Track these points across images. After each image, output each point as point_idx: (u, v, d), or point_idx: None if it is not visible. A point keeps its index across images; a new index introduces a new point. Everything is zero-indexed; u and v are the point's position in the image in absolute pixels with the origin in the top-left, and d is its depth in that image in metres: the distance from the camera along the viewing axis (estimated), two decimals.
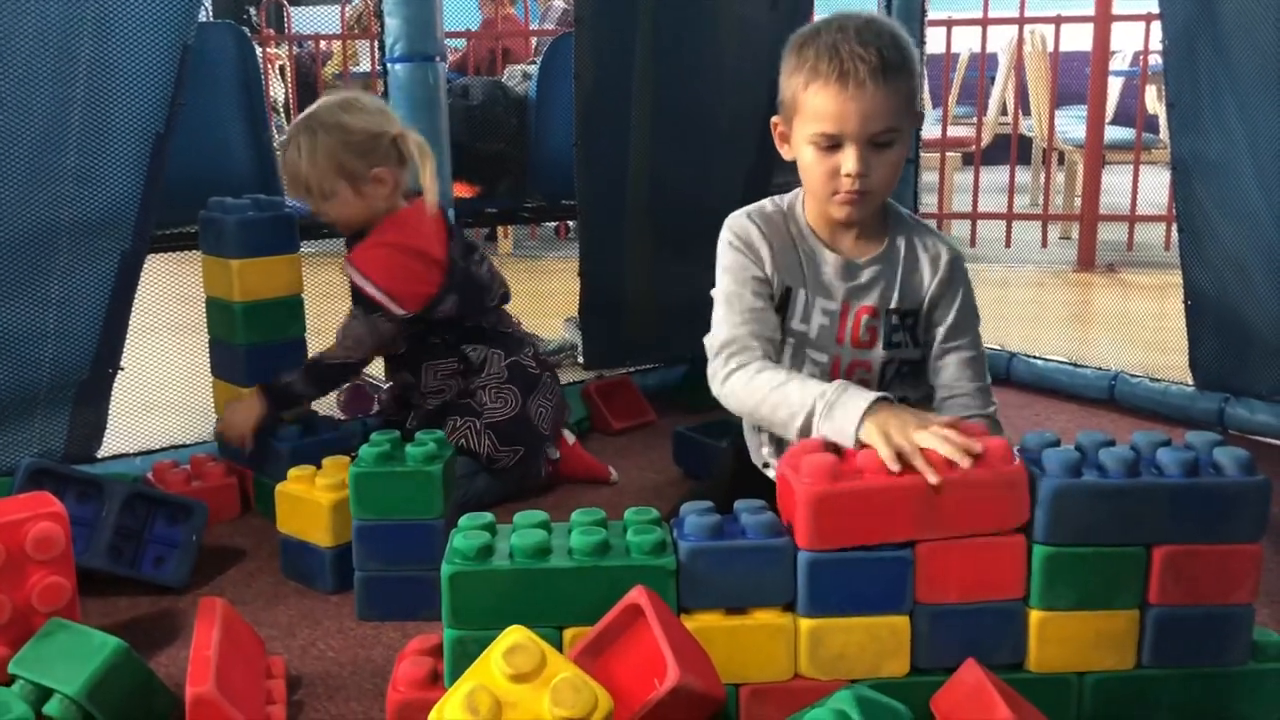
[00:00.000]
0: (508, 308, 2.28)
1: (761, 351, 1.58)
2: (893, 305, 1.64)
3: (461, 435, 2.12)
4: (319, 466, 1.84)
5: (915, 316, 1.66)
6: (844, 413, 1.40)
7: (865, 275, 1.64)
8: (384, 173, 2.06)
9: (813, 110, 1.53)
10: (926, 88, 4.78)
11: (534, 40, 5.62)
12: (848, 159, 1.53)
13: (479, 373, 2.16)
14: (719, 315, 1.63)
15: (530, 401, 2.18)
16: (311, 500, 1.80)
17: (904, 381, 1.68)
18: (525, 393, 2.17)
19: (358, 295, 2.08)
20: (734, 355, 1.58)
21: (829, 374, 1.63)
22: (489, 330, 2.18)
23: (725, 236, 1.66)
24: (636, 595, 1.25)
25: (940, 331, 1.66)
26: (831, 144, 1.54)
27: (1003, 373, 2.96)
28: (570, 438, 2.31)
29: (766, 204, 1.68)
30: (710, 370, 1.61)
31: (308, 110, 2.11)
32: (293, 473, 1.85)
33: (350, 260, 2.08)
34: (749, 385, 1.55)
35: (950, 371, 1.66)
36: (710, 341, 1.63)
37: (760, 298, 1.61)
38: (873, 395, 1.40)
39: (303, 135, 2.05)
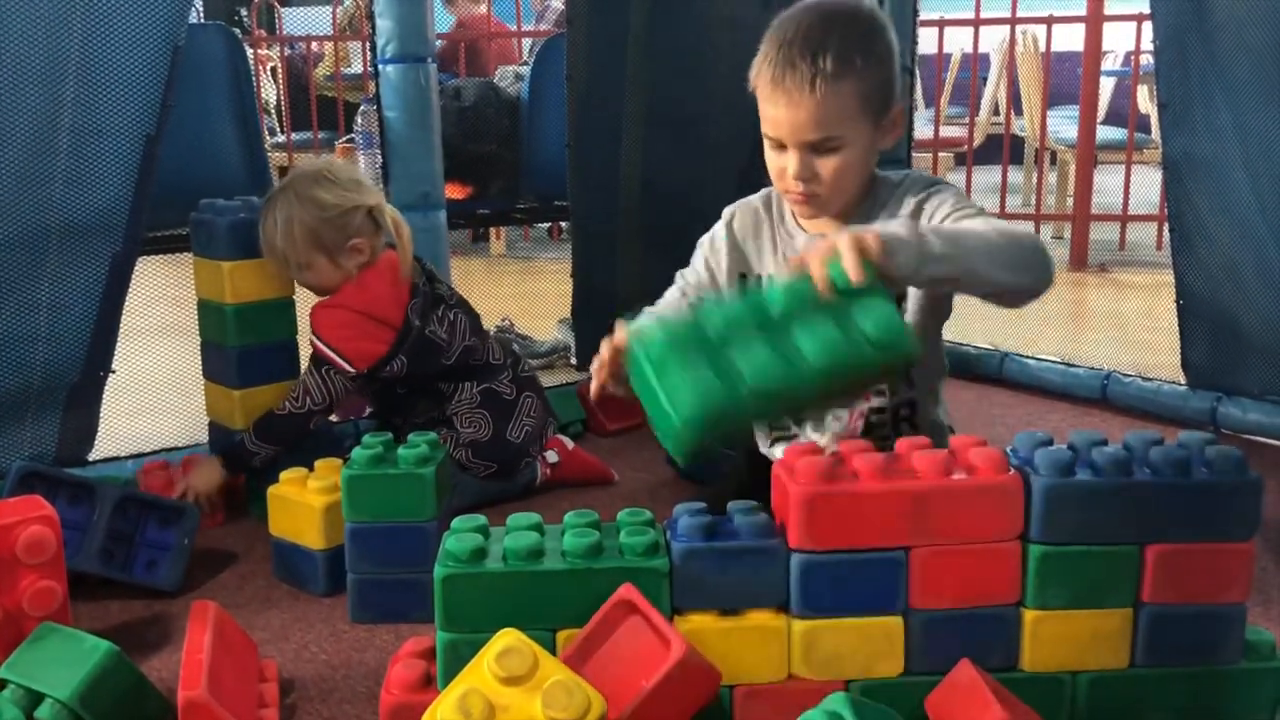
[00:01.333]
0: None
1: (681, 291, 1.66)
2: None
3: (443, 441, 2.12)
4: (311, 469, 1.84)
5: None
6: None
7: None
8: (361, 243, 2.07)
9: (761, 110, 1.56)
10: (919, 88, 4.80)
11: (525, 40, 5.61)
12: (789, 163, 1.55)
13: (450, 399, 2.16)
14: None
15: (506, 425, 2.17)
16: (304, 503, 1.79)
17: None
18: (499, 418, 2.17)
19: (314, 350, 2.09)
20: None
21: None
22: (457, 368, 2.17)
23: (711, 231, 1.73)
24: (625, 591, 1.25)
25: (936, 215, 1.60)
26: (778, 145, 1.56)
27: (995, 372, 2.97)
28: (569, 443, 2.31)
29: (757, 196, 1.70)
30: None
31: (283, 182, 2.12)
32: (285, 475, 1.84)
33: (310, 315, 2.10)
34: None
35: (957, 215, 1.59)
36: None
37: (699, 280, 1.69)
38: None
39: (279, 209, 2.04)
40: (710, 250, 1.71)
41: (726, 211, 1.73)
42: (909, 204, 1.63)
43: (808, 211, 1.62)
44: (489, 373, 2.20)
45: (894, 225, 1.39)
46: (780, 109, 1.52)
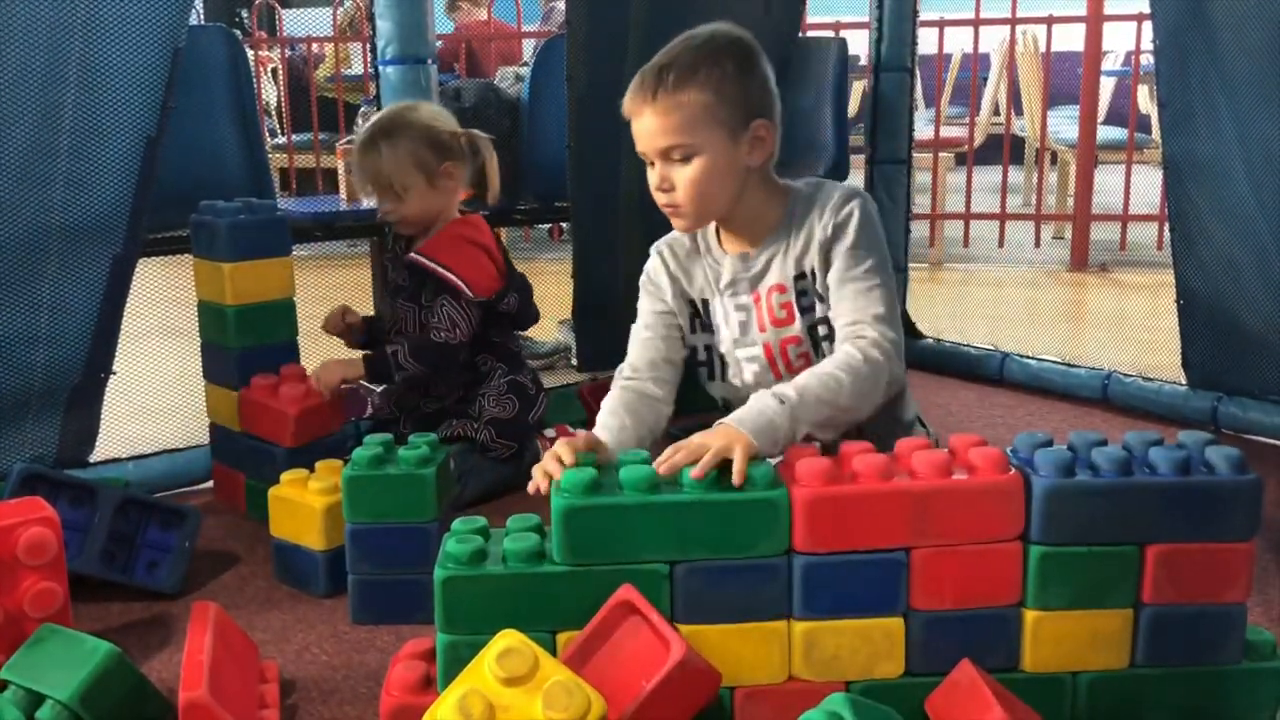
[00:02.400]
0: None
1: (631, 379, 1.70)
2: (793, 272, 1.68)
3: (459, 429, 2.22)
4: (312, 470, 1.84)
5: (815, 277, 1.68)
6: None
7: (760, 261, 1.69)
8: (453, 167, 2.18)
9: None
10: (919, 88, 4.80)
11: (528, 41, 5.61)
12: (651, 174, 1.63)
13: (483, 382, 2.25)
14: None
15: (527, 413, 2.28)
16: (304, 504, 1.79)
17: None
18: (524, 408, 2.27)
19: (429, 285, 2.18)
20: (622, 372, 1.73)
21: (765, 362, 1.70)
22: (499, 345, 2.27)
23: (647, 269, 1.78)
24: (626, 592, 1.26)
25: (834, 267, 1.65)
26: (647, 161, 1.64)
27: (996, 373, 2.96)
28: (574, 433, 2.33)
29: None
30: None
31: (377, 117, 2.22)
32: (286, 476, 1.84)
33: (421, 253, 2.19)
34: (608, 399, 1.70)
35: (846, 304, 1.63)
36: None
37: (654, 329, 1.74)
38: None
39: (381, 137, 2.16)
40: (653, 288, 1.77)
41: (655, 248, 1.79)
42: (820, 226, 1.65)
43: (681, 224, 1.68)
44: (518, 365, 2.31)
45: (770, 411, 1.45)
46: (636, 123, 1.61)
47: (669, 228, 1.74)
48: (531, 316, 2.33)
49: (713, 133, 1.59)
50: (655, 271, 1.77)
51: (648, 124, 1.60)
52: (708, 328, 1.76)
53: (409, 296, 2.25)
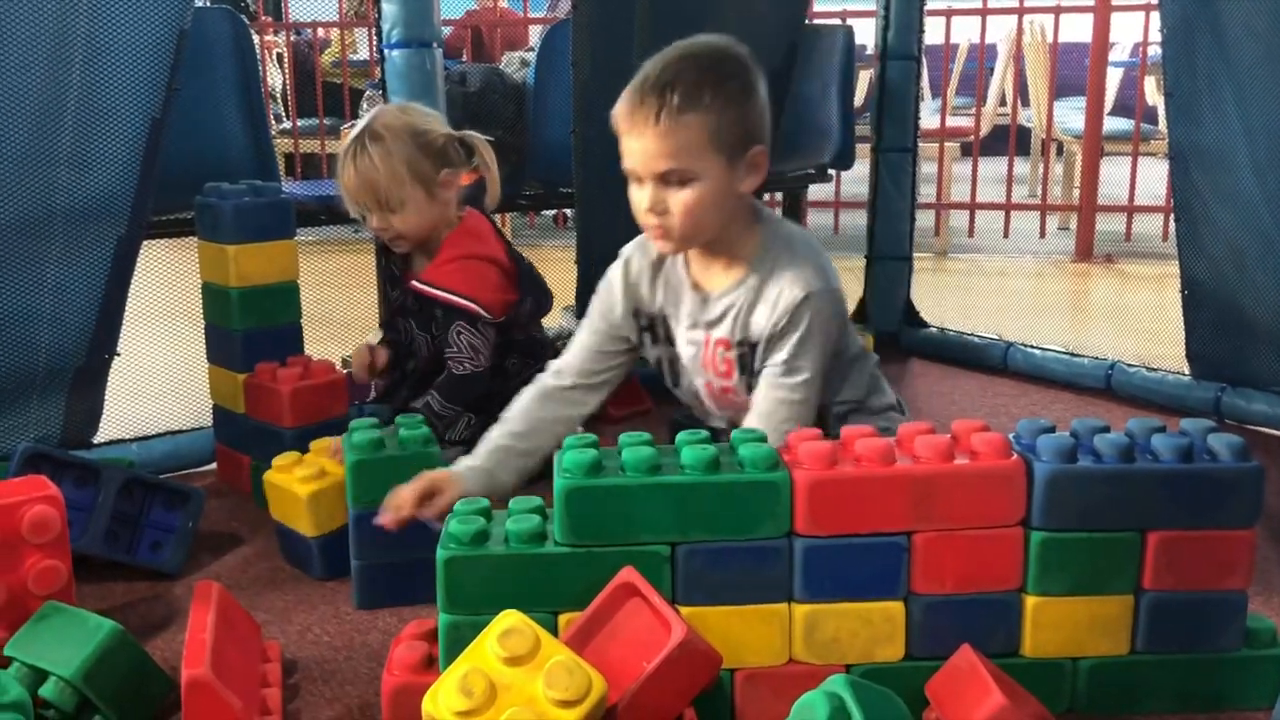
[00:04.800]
0: None
1: (556, 380, 1.72)
2: (739, 338, 1.67)
3: (476, 431, 2.07)
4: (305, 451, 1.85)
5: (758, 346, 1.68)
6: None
7: (717, 308, 1.67)
8: (451, 176, 2.08)
9: (620, 145, 1.59)
10: (926, 78, 4.79)
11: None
12: (642, 195, 1.58)
13: (512, 379, 2.14)
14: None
15: None
16: (290, 491, 1.79)
17: None
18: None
19: (434, 311, 2.11)
20: (550, 372, 1.74)
21: (706, 395, 1.73)
22: (522, 341, 2.20)
23: (608, 271, 1.76)
24: (627, 574, 1.26)
25: (769, 367, 1.65)
26: (635, 178, 1.58)
27: (1000, 362, 2.96)
28: None
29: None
30: None
31: (364, 122, 2.11)
32: (278, 461, 1.83)
33: (426, 280, 2.10)
34: (511, 405, 1.73)
35: (763, 406, 1.63)
36: None
37: (596, 340, 1.75)
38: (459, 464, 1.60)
39: (370, 144, 2.04)
40: (606, 299, 1.75)
41: (624, 252, 1.76)
42: (772, 318, 1.63)
43: (666, 247, 1.64)
44: (542, 350, 2.21)
45: None
46: (632, 141, 1.55)
47: None
48: (546, 306, 2.27)
49: (713, 158, 1.55)
50: (613, 282, 1.75)
51: (647, 146, 1.54)
52: (667, 340, 1.74)
53: (421, 325, 2.18)
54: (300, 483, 1.77)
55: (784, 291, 1.63)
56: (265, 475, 1.84)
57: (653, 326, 1.74)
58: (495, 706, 1.15)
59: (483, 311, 2.08)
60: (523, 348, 2.21)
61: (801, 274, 1.64)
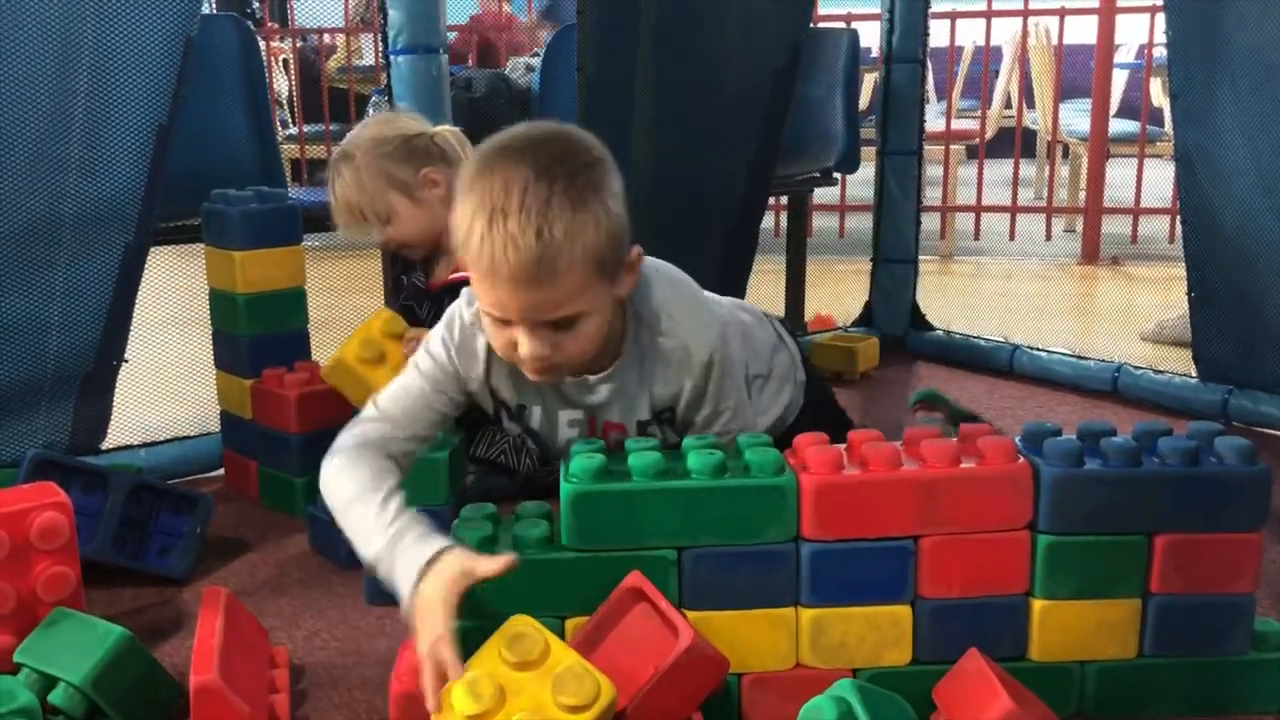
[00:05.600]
0: None
1: (379, 443, 1.40)
2: (642, 417, 1.50)
3: (499, 450, 2.06)
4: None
5: (671, 412, 1.51)
6: (403, 573, 1.26)
7: (602, 392, 1.48)
8: (433, 173, 2.03)
9: (474, 280, 1.33)
10: (931, 80, 4.79)
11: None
12: (521, 341, 1.32)
13: None
14: (391, 385, 1.48)
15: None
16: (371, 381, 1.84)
17: None
18: None
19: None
20: (358, 423, 1.42)
21: None
22: None
23: (458, 325, 1.47)
24: (634, 579, 1.26)
25: (694, 426, 1.50)
26: (501, 320, 1.33)
27: (1006, 365, 2.96)
28: None
29: None
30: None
31: (337, 149, 2.08)
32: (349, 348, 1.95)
33: (432, 278, 2.08)
34: (336, 479, 1.37)
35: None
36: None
37: (431, 401, 1.45)
38: (431, 549, 1.25)
39: (342, 165, 2.02)
40: (460, 354, 1.46)
41: (473, 311, 1.44)
42: (675, 385, 1.46)
43: (550, 379, 1.41)
44: None
45: None
46: (503, 292, 1.28)
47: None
48: None
49: (600, 286, 1.32)
50: (471, 347, 1.46)
51: (529, 298, 1.28)
52: (521, 422, 1.53)
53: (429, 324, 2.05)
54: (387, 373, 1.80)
55: (689, 357, 1.45)
56: (341, 360, 1.92)
57: (507, 409, 1.52)
58: (504, 711, 1.15)
59: None
60: None
61: (694, 332, 1.46)
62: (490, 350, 1.43)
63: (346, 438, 1.42)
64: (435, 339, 1.48)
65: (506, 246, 1.24)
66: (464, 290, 1.45)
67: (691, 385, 1.48)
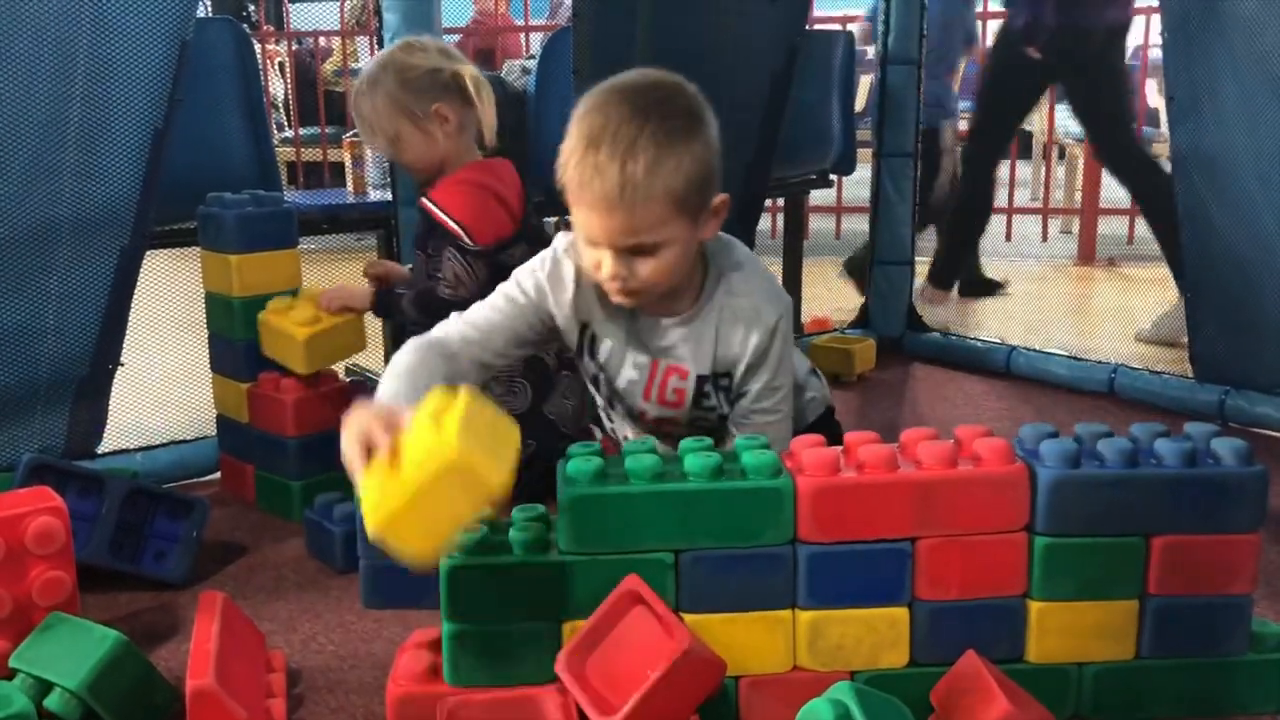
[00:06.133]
0: None
1: (445, 350, 1.52)
2: (704, 371, 1.59)
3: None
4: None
5: (729, 378, 1.60)
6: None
7: (672, 336, 1.58)
8: (444, 109, 2.06)
9: (570, 206, 1.46)
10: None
11: (533, 35, 5.61)
12: (604, 262, 1.46)
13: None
14: (480, 303, 1.60)
15: (545, 400, 2.14)
16: (287, 333, 1.99)
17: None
18: (540, 390, 2.13)
19: (436, 232, 2.09)
20: (443, 326, 1.56)
21: (640, 421, 1.65)
22: None
23: (550, 255, 1.59)
24: (631, 582, 1.26)
25: (748, 395, 1.60)
26: (592, 243, 1.46)
27: (1003, 366, 2.96)
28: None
29: None
30: None
31: (370, 61, 2.14)
32: (272, 304, 2.05)
33: (427, 196, 2.11)
34: (394, 361, 1.49)
35: (752, 428, 1.59)
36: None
37: (511, 320, 1.56)
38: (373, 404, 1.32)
39: (366, 83, 2.09)
40: (550, 280, 1.58)
41: (568, 254, 1.58)
42: (752, 346, 1.56)
43: (628, 303, 1.52)
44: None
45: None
46: (590, 215, 1.42)
47: None
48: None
49: (678, 223, 1.44)
50: (560, 273, 1.57)
51: (608, 223, 1.41)
52: (593, 355, 1.63)
53: (418, 243, 2.15)
54: (298, 326, 1.99)
55: (759, 317, 1.57)
56: (260, 315, 2.04)
57: (582, 338, 1.61)
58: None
59: (465, 235, 2.04)
60: None
61: (768, 297, 1.58)
62: (579, 278, 1.56)
63: (427, 334, 1.56)
64: (526, 270, 1.60)
65: (594, 174, 1.39)
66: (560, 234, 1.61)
67: (755, 345, 1.56)
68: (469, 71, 2.09)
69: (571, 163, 1.42)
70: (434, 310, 2.03)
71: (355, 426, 1.25)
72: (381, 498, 1.18)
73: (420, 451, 1.17)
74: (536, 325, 1.59)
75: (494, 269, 2.05)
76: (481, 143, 2.16)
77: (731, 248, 1.61)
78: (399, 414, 1.26)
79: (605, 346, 1.61)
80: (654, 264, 1.45)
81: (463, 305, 1.96)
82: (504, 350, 1.58)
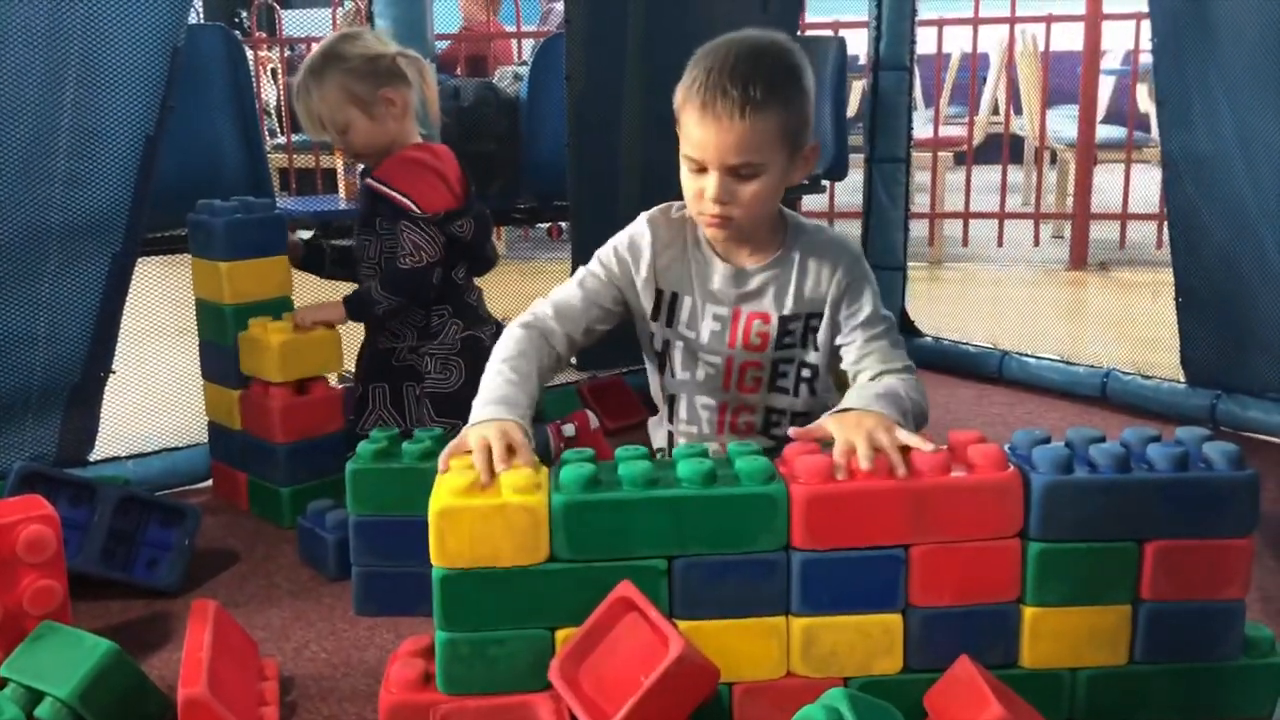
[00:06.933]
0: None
1: (543, 329, 1.63)
2: (786, 311, 1.67)
3: (382, 416, 2.14)
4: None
5: (817, 319, 1.68)
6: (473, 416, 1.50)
7: (755, 281, 1.67)
8: (391, 93, 2.09)
9: (685, 131, 1.58)
10: (919, 87, 4.81)
11: (525, 41, 5.61)
12: (709, 185, 1.57)
13: (432, 339, 2.14)
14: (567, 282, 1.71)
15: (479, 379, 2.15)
16: (263, 342, 2.00)
17: (806, 387, 1.71)
18: (474, 369, 2.02)
19: (383, 210, 2.10)
20: (529, 313, 1.66)
21: (722, 373, 1.70)
22: (454, 295, 2.16)
23: (628, 230, 1.72)
24: (625, 588, 1.26)
25: (854, 325, 1.67)
26: (698, 167, 1.58)
27: (995, 371, 2.97)
28: (594, 422, 2.30)
29: (674, 207, 1.71)
30: None
31: (309, 57, 2.15)
32: (253, 322, 2.07)
33: (372, 175, 2.12)
34: (498, 345, 1.61)
35: (875, 357, 1.64)
36: None
37: (594, 296, 1.67)
38: (489, 417, 1.45)
39: (309, 77, 2.09)
40: (626, 258, 1.69)
41: (649, 219, 1.71)
42: (834, 282, 1.66)
43: (721, 235, 1.64)
44: (476, 320, 2.18)
45: (879, 409, 1.44)
46: (709, 132, 1.54)
47: None
48: (488, 257, 2.24)
49: (780, 152, 1.57)
50: (638, 243, 1.69)
51: (724, 138, 1.53)
52: (671, 322, 1.71)
53: (363, 224, 2.16)
54: (272, 334, 2.01)
55: (843, 249, 1.69)
56: (240, 335, 2.08)
57: (659, 303, 1.71)
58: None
59: (414, 205, 2.05)
60: (452, 301, 2.15)
61: (841, 239, 1.73)
62: (655, 245, 1.68)
63: (523, 318, 1.66)
64: (607, 248, 1.72)
65: (718, 91, 1.52)
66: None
67: (842, 275, 1.67)
68: (408, 52, 2.14)
69: (695, 87, 1.55)
70: (403, 286, 2.09)
71: (481, 436, 1.39)
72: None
73: None
74: (618, 298, 1.70)
75: (448, 240, 2.10)
76: (427, 123, 2.21)
77: (822, 229, 1.74)
78: (520, 444, 1.39)
79: (685, 304, 1.69)
80: (753, 188, 1.56)
81: (426, 271, 2.07)
82: (591, 326, 1.68)
